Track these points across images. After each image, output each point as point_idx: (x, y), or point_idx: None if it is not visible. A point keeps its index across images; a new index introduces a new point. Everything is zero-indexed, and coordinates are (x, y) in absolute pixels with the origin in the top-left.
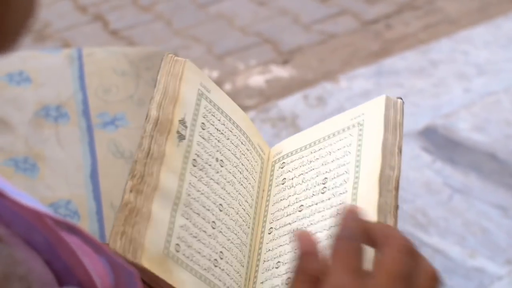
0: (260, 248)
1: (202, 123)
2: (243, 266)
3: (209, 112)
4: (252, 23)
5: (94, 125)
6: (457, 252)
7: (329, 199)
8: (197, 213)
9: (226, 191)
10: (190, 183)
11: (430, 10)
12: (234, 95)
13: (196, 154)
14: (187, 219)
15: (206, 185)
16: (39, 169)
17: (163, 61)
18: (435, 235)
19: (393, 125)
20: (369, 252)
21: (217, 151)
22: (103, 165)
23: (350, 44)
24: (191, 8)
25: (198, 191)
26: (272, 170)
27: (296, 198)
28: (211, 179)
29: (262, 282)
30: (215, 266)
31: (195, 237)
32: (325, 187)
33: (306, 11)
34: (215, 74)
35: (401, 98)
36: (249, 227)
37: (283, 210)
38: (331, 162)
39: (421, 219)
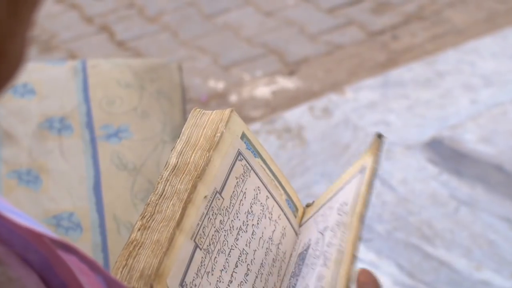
0: None
1: None
2: None
3: None
4: (258, 34)
5: (97, 137)
6: (463, 265)
7: None
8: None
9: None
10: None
11: (437, 20)
12: (239, 106)
13: None
14: None
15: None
16: (42, 181)
17: (190, 115)
18: (441, 248)
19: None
20: None
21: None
22: (106, 177)
23: (357, 55)
24: (197, 19)
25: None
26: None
27: None
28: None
29: None
30: None
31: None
32: None
33: (312, 22)
34: (220, 85)
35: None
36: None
37: None
38: None
39: (427, 231)
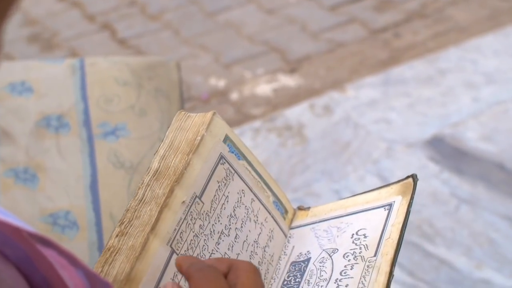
0: None
1: None
2: None
3: None
4: (260, 32)
5: (94, 135)
6: (464, 264)
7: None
8: None
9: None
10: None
11: (439, 18)
12: (240, 104)
13: None
14: None
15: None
16: (39, 180)
17: (175, 118)
18: (441, 246)
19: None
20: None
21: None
22: (103, 175)
23: (358, 52)
24: (199, 17)
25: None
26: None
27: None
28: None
29: None
30: None
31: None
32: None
33: (314, 20)
34: (222, 82)
35: None
36: None
37: None
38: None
39: (427, 230)
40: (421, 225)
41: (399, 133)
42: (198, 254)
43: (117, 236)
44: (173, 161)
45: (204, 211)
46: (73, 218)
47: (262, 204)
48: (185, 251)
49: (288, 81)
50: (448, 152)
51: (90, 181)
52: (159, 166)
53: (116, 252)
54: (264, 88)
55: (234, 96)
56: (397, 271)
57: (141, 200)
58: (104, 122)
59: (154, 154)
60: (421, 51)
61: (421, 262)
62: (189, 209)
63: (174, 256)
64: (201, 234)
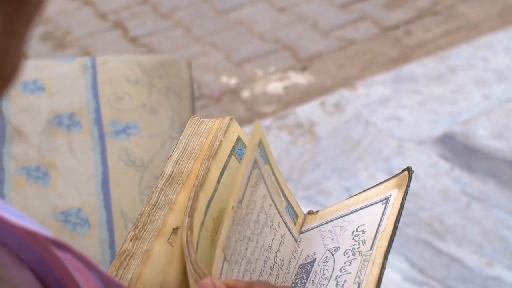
0: None
1: None
2: None
3: None
4: (271, 30)
5: (106, 134)
6: (474, 261)
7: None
8: None
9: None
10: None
11: (451, 15)
12: (252, 102)
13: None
14: None
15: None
16: (50, 178)
17: (188, 122)
18: (452, 243)
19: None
20: None
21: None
22: (114, 173)
23: (369, 50)
24: (210, 15)
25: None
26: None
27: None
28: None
29: None
30: None
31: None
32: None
33: (325, 18)
34: (233, 80)
35: None
36: None
37: None
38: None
39: (438, 227)
40: (432, 222)
41: (409, 131)
42: (235, 260)
43: (131, 240)
44: (186, 166)
45: (242, 217)
46: (85, 216)
47: (277, 209)
48: (230, 256)
49: (299, 79)
50: (458, 149)
51: (101, 179)
52: (173, 171)
53: (131, 256)
54: (275, 86)
55: (245, 94)
56: (407, 268)
57: (154, 205)
58: (115, 121)
59: (168, 158)
60: (432, 49)
61: (431, 260)
62: (235, 214)
63: (225, 263)
64: (238, 239)
